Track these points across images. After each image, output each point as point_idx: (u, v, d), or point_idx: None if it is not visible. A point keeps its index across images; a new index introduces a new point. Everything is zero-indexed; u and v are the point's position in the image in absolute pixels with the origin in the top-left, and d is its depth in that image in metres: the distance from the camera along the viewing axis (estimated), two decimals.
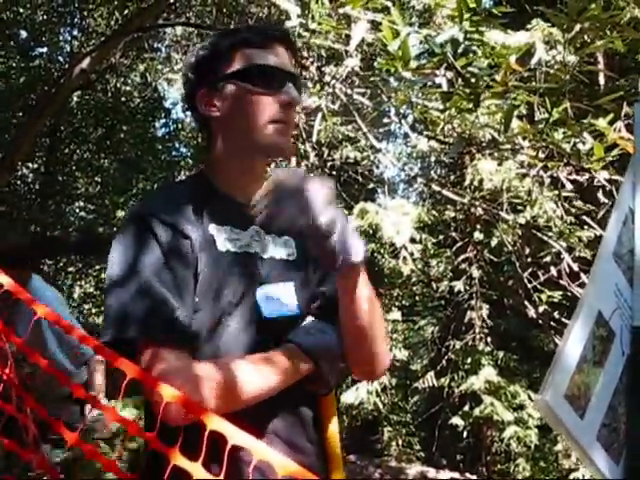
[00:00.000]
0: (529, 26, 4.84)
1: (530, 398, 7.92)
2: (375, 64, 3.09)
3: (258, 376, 1.26)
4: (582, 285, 3.63)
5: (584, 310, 1.02)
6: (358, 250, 1.28)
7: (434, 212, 7.78)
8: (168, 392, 1.02)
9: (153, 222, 1.31)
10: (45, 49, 9.15)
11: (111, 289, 1.29)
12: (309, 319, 1.40)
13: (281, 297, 1.37)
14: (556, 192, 3.64)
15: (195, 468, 0.96)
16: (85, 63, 5.95)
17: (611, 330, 1.07)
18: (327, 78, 3.40)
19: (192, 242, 1.32)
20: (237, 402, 1.22)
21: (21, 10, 8.71)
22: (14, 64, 8.93)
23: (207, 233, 1.36)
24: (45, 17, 8.90)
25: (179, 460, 0.99)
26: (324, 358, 1.32)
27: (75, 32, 9.46)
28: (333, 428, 1.43)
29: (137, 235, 1.31)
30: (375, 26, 2.95)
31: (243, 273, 1.36)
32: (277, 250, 1.45)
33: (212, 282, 1.32)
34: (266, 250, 1.42)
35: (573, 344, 0.98)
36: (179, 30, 10.44)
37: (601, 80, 7.20)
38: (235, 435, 0.97)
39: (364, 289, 1.36)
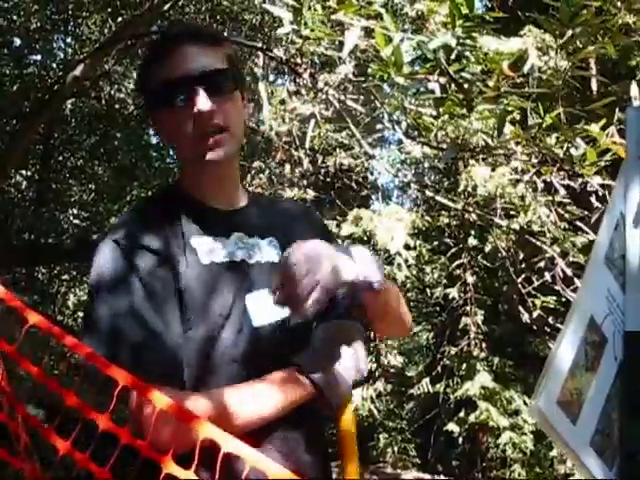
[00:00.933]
0: (522, 32, 4.87)
1: (525, 404, 7.93)
2: (368, 70, 3.10)
3: (254, 406, 1.22)
4: (576, 290, 3.63)
5: (576, 315, 1.02)
6: (378, 278, 1.28)
7: (428, 218, 7.80)
8: (160, 399, 1.02)
9: (127, 247, 1.27)
10: (39, 56, 9.14)
11: (93, 325, 1.24)
12: (317, 326, 1.34)
13: (269, 303, 1.31)
14: (550, 197, 3.65)
15: (188, 476, 0.95)
16: (79, 70, 5.94)
17: (603, 335, 1.07)
18: (320, 85, 3.41)
19: (171, 261, 1.27)
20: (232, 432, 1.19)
21: (15, 18, 8.71)
22: (7, 71, 8.91)
23: (189, 247, 1.31)
24: (39, 25, 8.89)
25: (172, 468, 0.99)
26: (328, 383, 1.27)
27: (69, 40, 9.47)
28: (347, 426, 1.40)
29: (113, 265, 1.27)
30: (368, 33, 2.96)
31: (230, 283, 1.32)
32: (262, 253, 1.40)
33: (199, 297, 1.27)
34: (251, 255, 1.38)
35: (565, 349, 0.98)
36: None
37: (593, 86, 7.24)
38: (228, 443, 0.97)
39: (389, 297, 1.39)
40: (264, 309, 1.33)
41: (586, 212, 3.93)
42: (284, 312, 1.33)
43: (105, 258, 1.29)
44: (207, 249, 1.33)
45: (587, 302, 1.05)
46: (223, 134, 1.33)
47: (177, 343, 1.24)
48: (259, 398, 1.23)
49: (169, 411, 1.01)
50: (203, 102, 1.30)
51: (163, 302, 1.25)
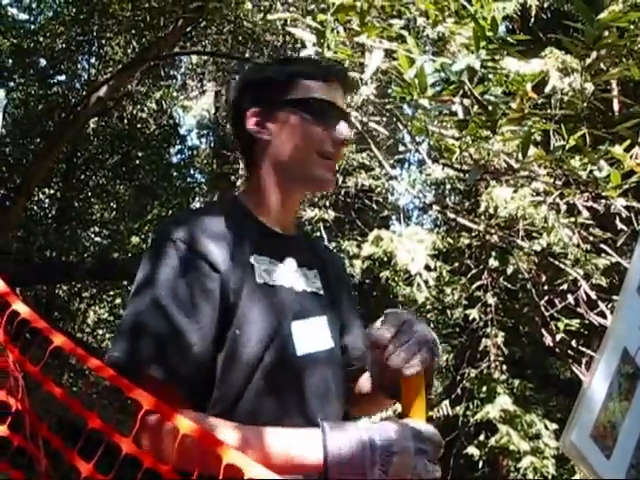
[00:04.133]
0: (543, 54, 4.86)
1: (546, 427, 7.80)
2: (390, 92, 3.11)
3: (258, 455, 1.13)
4: (600, 313, 3.59)
5: (609, 346, 1.00)
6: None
7: (449, 239, 7.75)
8: (184, 424, 1.01)
9: (184, 251, 1.26)
10: (63, 77, 9.28)
11: (131, 315, 1.24)
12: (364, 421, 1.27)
13: (314, 332, 1.33)
14: (572, 219, 3.62)
15: None
16: (102, 91, 6.03)
17: (637, 367, 1.04)
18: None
19: (222, 277, 1.26)
20: None
21: (41, 39, 8.86)
22: (33, 91, 9.06)
23: (247, 263, 1.31)
24: (64, 46, 9.03)
25: None
26: (338, 467, 1.13)
27: (93, 60, 9.60)
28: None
29: (164, 260, 1.26)
30: (389, 54, 2.97)
31: (279, 307, 1.32)
32: (309, 283, 1.41)
33: (249, 316, 1.27)
34: (299, 283, 1.39)
35: (598, 382, 0.96)
36: (194, 58, 10.57)
37: (615, 107, 7.19)
38: (252, 468, 0.96)
39: None
40: (309, 338, 1.33)
41: (610, 234, 3.89)
42: (328, 344, 1.35)
43: (158, 255, 1.27)
44: (263, 269, 1.34)
45: (620, 333, 1.03)
46: (336, 165, 1.45)
47: (204, 350, 1.23)
48: (268, 452, 1.16)
49: (194, 436, 1.01)
50: (348, 133, 1.42)
51: (199, 313, 1.23)
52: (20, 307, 1.20)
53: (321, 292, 1.44)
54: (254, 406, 1.24)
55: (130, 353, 1.21)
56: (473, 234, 7.11)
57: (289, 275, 1.38)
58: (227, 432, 1.15)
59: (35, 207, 9.34)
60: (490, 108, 2.26)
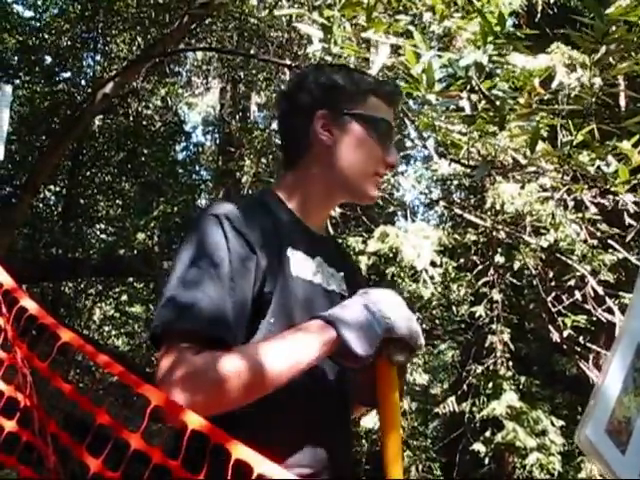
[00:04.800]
0: (549, 49, 4.84)
1: (553, 424, 7.79)
2: None
3: (283, 356, 1.20)
4: (608, 310, 3.58)
5: (623, 341, 0.99)
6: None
7: (455, 235, 7.73)
8: (193, 419, 1.01)
9: (227, 226, 1.27)
10: (69, 74, 9.28)
11: (172, 281, 1.24)
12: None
13: None
14: (580, 215, 3.61)
15: None
16: (108, 88, 6.03)
17: None
18: None
19: (258, 260, 1.27)
20: (267, 386, 1.18)
21: (46, 36, 8.87)
22: (38, 89, 9.07)
23: (283, 254, 1.33)
24: (69, 43, 9.04)
25: None
26: (345, 325, 1.22)
27: (98, 57, 9.60)
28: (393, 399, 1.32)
29: (206, 232, 1.27)
30: (396, 50, 2.96)
31: (309, 303, 1.34)
32: (337, 284, 1.44)
33: (285, 305, 1.29)
34: (328, 282, 1.42)
35: (613, 377, 0.95)
36: (200, 55, 10.56)
37: (622, 101, 7.16)
38: (260, 464, 0.95)
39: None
40: None
41: (618, 230, 3.88)
42: None
43: (200, 228, 1.28)
44: (297, 263, 1.36)
45: (635, 328, 1.02)
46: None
47: (236, 324, 1.23)
48: (293, 351, 1.21)
49: (203, 431, 1.00)
50: (398, 158, 1.52)
51: (237, 288, 1.24)
52: (28, 303, 1.20)
53: (346, 294, 1.44)
54: (280, 395, 1.22)
55: (168, 321, 1.20)
56: (479, 230, 7.09)
57: (320, 273, 1.40)
58: (254, 348, 1.20)
59: (41, 204, 9.36)
60: (498, 103, 2.25)
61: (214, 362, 1.15)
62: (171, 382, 1.14)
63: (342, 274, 1.48)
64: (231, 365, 1.16)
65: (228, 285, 1.22)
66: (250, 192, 9.50)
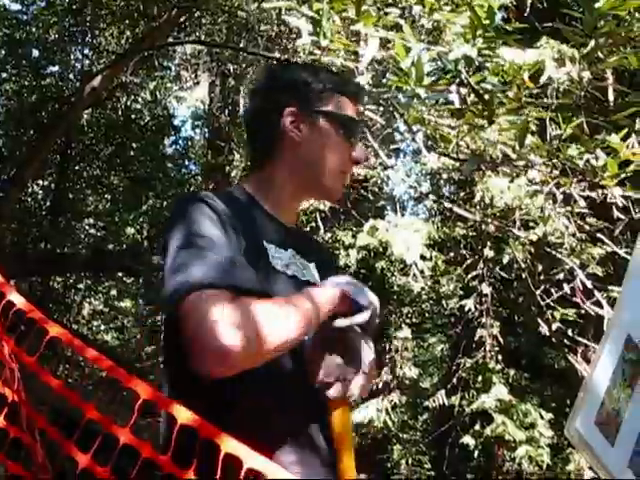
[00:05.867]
0: (538, 43, 4.83)
1: (542, 416, 7.83)
2: (385, 81, 3.09)
3: (305, 308, 1.22)
4: (596, 303, 3.60)
5: (613, 333, 1.00)
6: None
7: (444, 229, 7.75)
8: (183, 415, 1.01)
9: (212, 205, 1.29)
10: (57, 68, 9.21)
11: (174, 255, 1.23)
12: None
13: None
14: (569, 209, 3.62)
15: None
16: (96, 81, 6.00)
17: None
18: None
19: (242, 245, 1.28)
20: (295, 336, 1.20)
21: (33, 29, 8.80)
22: (26, 83, 9.00)
23: (260, 246, 1.35)
24: (57, 36, 8.97)
25: None
26: (344, 285, 1.30)
27: (86, 51, 9.54)
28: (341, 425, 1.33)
29: (198, 210, 1.28)
30: (385, 43, 2.95)
31: (288, 294, 1.32)
32: (309, 274, 1.45)
33: (267, 295, 1.26)
34: (303, 273, 1.43)
35: (602, 369, 0.96)
36: (189, 48, 10.52)
37: (610, 96, 7.18)
38: (249, 457, 0.95)
39: None
40: None
41: (606, 224, 3.90)
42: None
43: (191, 208, 1.29)
44: (272, 254, 1.37)
45: (624, 320, 1.03)
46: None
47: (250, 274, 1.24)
48: (311, 305, 1.24)
49: (193, 425, 1.00)
50: (365, 154, 1.55)
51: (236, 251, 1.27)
52: (15, 298, 1.19)
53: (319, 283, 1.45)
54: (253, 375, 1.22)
55: (192, 280, 1.17)
56: (469, 224, 7.11)
57: (294, 264, 1.42)
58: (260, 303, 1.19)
59: (29, 199, 9.30)
60: (487, 97, 2.25)
61: (253, 306, 1.16)
62: (213, 326, 1.11)
63: (313, 264, 1.49)
64: (268, 310, 1.18)
65: (232, 248, 1.25)
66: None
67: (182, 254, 1.21)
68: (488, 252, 7.67)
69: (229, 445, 0.97)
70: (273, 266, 1.35)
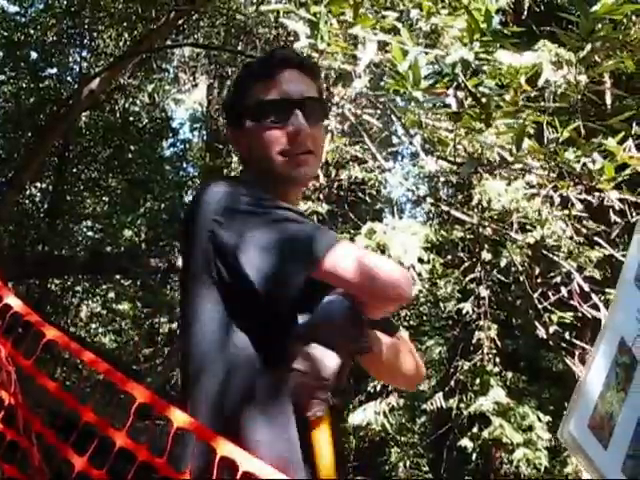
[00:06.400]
0: (536, 47, 4.84)
1: (539, 419, 7.83)
2: (383, 84, 3.10)
3: None
4: (593, 306, 3.61)
5: (606, 337, 1.00)
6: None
7: (442, 232, 7.75)
8: (179, 417, 1.01)
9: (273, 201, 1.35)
10: (55, 70, 9.20)
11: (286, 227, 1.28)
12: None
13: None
14: (566, 212, 3.63)
15: None
16: (94, 84, 6.00)
17: (634, 357, 1.04)
18: (336, 99, 3.41)
19: None
20: None
21: (32, 32, 8.79)
22: (24, 85, 8.99)
23: None
24: (55, 38, 8.97)
25: None
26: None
27: (84, 53, 9.54)
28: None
29: (250, 191, 1.34)
30: (383, 46, 2.96)
31: None
32: None
33: None
34: None
35: (596, 372, 0.96)
36: (187, 51, 10.52)
37: (608, 100, 7.20)
38: (245, 461, 0.95)
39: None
40: None
41: (603, 227, 3.90)
42: None
43: (232, 186, 1.35)
44: None
45: (617, 323, 1.03)
46: (310, 155, 1.44)
47: None
48: None
49: (189, 429, 1.00)
50: (301, 123, 1.41)
51: None
52: (12, 300, 1.19)
53: None
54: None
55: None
56: (466, 227, 7.11)
57: None
58: None
59: (27, 201, 9.29)
60: (484, 101, 2.26)
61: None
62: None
63: None
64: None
65: None
66: None
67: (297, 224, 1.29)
68: (486, 255, 7.68)
69: (226, 448, 0.97)
70: None
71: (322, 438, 1.24)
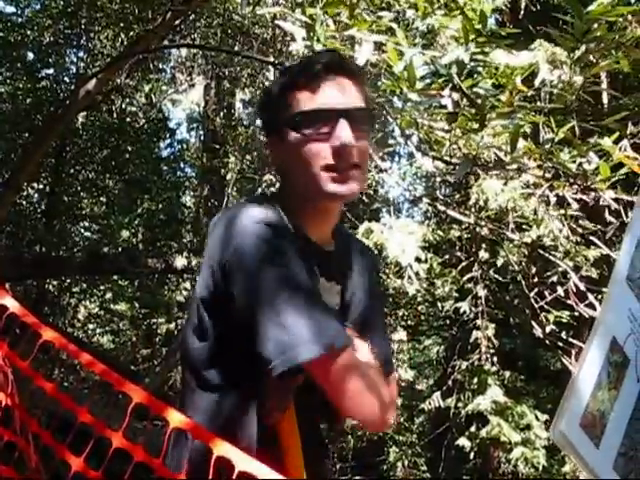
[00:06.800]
0: (532, 47, 4.85)
1: (537, 418, 7.85)
2: (379, 85, 3.10)
3: None
4: (589, 305, 3.62)
5: (598, 336, 1.01)
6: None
7: (439, 232, 7.76)
8: (175, 418, 1.01)
9: (286, 234, 1.28)
10: (51, 70, 9.19)
11: (270, 308, 1.20)
12: None
13: None
14: (562, 211, 3.64)
15: None
16: (91, 84, 5.99)
17: (625, 356, 1.05)
18: None
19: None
20: None
21: (28, 32, 8.79)
22: (21, 85, 8.98)
23: (314, 273, 1.35)
24: (52, 39, 8.96)
25: None
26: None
27: (81, 54, 9.53)
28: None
29: (276, 246, 1.25)
30: (379, 47, 2.96)
31: None
32: (332, 298, 1.41)
33: None
34: (326, 299, 1.37)
35: (587, 371, 0.97)
36: (184, 51, 10.52)
37: (604, 99, 7.21)
38: (241, 461, 0.96)
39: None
40: None
41: (599, 226, 3.91)
42: None
43: (265, 239, 1.25)
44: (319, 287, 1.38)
45: (609, 322, 1.04)
46: (356, 171, 1.32)
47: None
48: None
49: (184, 428, 1.01)
50: (348, 136, 1.29)
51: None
52: (9, 302, 1.19)
53: (337, 307, 1.42)
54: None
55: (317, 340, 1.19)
56: (463, 226, 7.12)
57: (322, 291, 1.37)
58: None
59: (24, 202, 9.28)
60: (479, 101, 2.26)
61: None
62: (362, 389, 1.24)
63: (339, 287, 1.43)
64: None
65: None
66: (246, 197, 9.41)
67: (288, 309, 1.19)
68: (483, 254, 7.69)
69: (222, 448, 0.97)
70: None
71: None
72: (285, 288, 1.21)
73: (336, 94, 1.32)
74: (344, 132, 1.29)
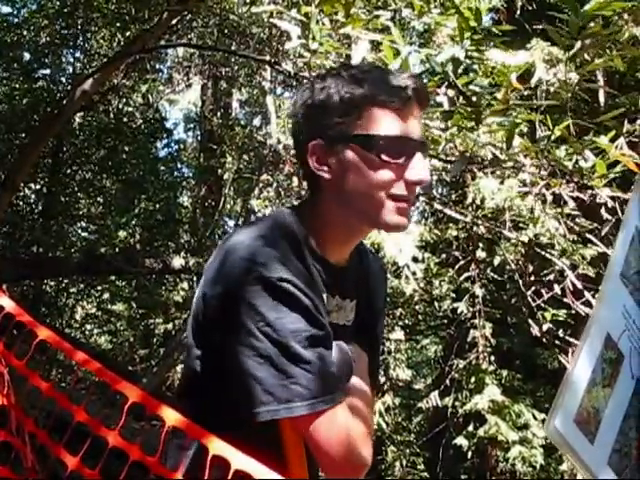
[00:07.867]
0: (529, 45, 4.86)
1: (535, 417, 7.85)
2: None
3: None
4: (586, 303, 3.62)
5: (592, 332, 1.01)
6: None
7: (436, 231, 7.76)
8: (171, 416, 1.01)
9: (290, 289, 1.19)
10: (48, 71, 9.18)
11: (263, 360, 1.17)
12: None
13: None
14: (559, 210, 3.65)
15: None
16: (87, 85, 5.98)
17: (620, 352, 1.05)
18: None
19: (321, 312, 1.25)
20: None
21: (25, 32, 8.78)
22: (17, 86, 8.97)
23: (323, 302, 1.29)
24: (48, 39, 8.95)
25: None
26: None
27: (78, 54, 9.51)
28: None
29: (277, 301, 1.17)
30: (375, 46, 2.97)
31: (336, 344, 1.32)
32: (344, 316, 1.39)
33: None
34: (341, 317, 1.36)
35: (582, 367, 0.97)
36: (180, 51, 10.52)
37: (601, 97, 7.22)
38: (236, 459, 0.96)
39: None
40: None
41: (595, 224, 3.92)
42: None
43: (266, 294, 1.17)
44: (330, 307, 1.34)
45: (603, 319, 1.04)
46: (411, 206, 1.29)
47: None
48: None
49: (182, 427, 1.01)
50: (427, 172, 1.25)
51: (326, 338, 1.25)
52: (4, 301, 1.19)
53: (350, 323, 1.40)
54: None
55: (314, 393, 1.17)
56: (460, 225, 7.12)
57: (335, 310, 1.36)
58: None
59: (21, 202, 9.26)
60: (474, 99, 2.27)
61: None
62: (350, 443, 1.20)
63: (353, 303, 1.40)
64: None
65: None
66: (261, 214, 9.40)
67: (286, 360, 1.17)
68: (480, 254, 7.69)
69: (217, 446, 0.97)
70: (331, 322, 1.31)
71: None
72: (274, 340, 1.17)
73: (417, 125, 1.26)
74: (424, 167, 1.24)
